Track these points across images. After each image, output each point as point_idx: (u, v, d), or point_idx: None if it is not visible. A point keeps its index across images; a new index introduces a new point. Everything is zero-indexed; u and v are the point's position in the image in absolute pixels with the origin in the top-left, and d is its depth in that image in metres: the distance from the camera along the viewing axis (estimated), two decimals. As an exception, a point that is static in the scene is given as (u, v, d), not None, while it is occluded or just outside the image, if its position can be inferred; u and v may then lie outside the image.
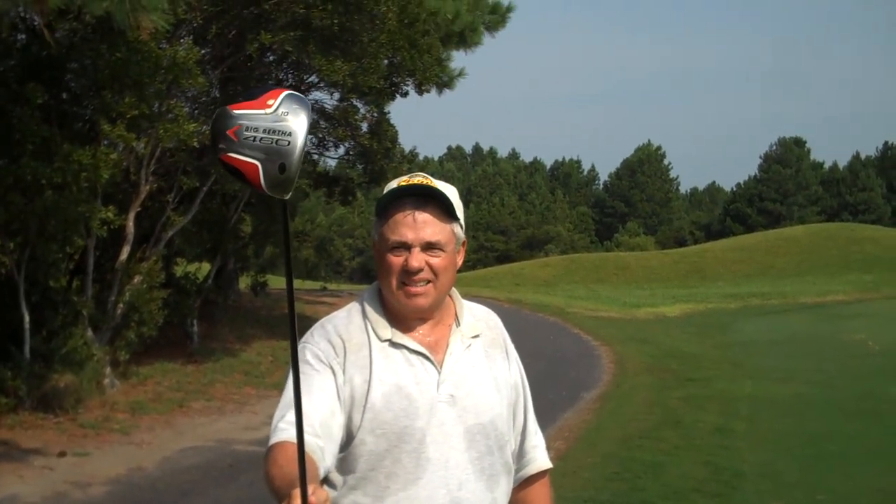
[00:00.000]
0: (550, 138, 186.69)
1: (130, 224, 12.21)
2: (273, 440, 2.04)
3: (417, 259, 2.13)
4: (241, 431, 10.71)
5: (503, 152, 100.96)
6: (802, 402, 12.09)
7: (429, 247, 2.14)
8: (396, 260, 2.14)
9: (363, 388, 2.11)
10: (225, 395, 12.77)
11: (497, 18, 19.64)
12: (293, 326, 1.77)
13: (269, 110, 1.63)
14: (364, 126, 16.68)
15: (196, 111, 13.70)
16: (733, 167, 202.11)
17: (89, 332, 11.62)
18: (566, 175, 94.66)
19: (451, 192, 2.20)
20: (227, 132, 1.61)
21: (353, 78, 13.53)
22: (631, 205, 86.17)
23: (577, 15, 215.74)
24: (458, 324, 2.24)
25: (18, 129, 9.96)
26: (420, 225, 2.13)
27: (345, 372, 2.13)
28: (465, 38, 18.70)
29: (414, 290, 2.14)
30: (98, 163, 10.08)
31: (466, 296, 2.35)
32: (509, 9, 19.77)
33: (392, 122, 17.49)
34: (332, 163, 20.56)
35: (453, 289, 2.26)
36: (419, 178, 2.18)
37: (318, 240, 34.80)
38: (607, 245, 75.52)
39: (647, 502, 7.24)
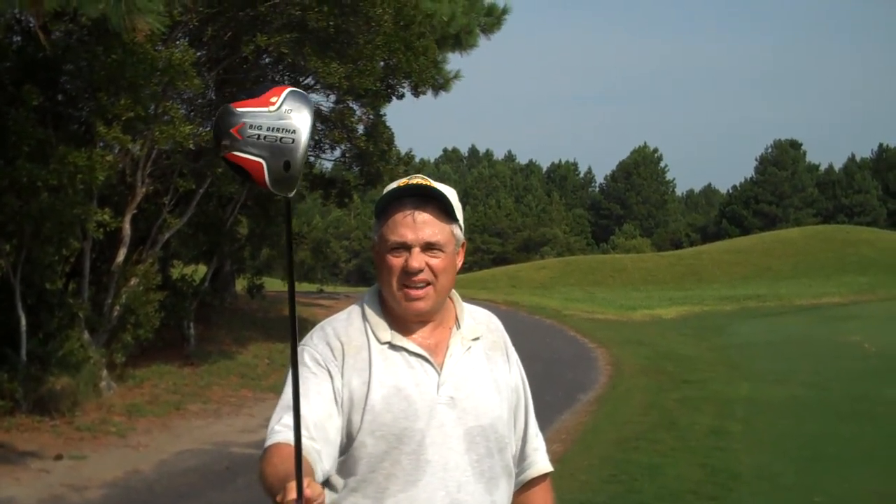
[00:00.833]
0: (547, 140, 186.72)
1: (126, 226, 12.20)
2: (268, 442, 2.04)
3: (417, 259, 2.12)
4: (238, 434, 10.69)
5: (499, 154, 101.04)
6: (798, 403, 12.10)
7: (429, 247, 2.14)
8: (396, 261, 2.14)
9: (362, 390, 2.11)
10: (221, 397, 12.75)
11: (492, 21, 19.64)
12: (294, 328, 1.77)
13: (272, 108, 1.63)
14: (360, 128, 16.67)
15: (192, 113, 13.70)
16: (729, 169, 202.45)
17: (85, 335, 11.60)
18: (562, 177, 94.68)
19: (450, 193, 2.20)
20: (231, 130, 1.61)
21: (349, 80, 13.52)
22: (627, 207, 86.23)
23: (573, 17, 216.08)
24: (458, 326, 2.24)
25: (14, 130, 9.94)
26: (420, 225, 2.13)
27: (343, 375, 2.13)
28: (460, 41, 18.71)
29: (414, 292, 2.14)
30: (94, 165, 10.06)
31: (464, 298, 2.35)
32: (505, 11, 19.78)
33: (388, 124, 17.49)
34: (329, 165, 20.54)
35: (453, 291, 2.25)
36: (418, 179, 2.18)
37: (314, 242, 34.71)
38: (603, 247, 75.62)
39: (643, 504, 7.24)
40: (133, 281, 12.42)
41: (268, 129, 1.61)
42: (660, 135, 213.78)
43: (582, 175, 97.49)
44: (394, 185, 2.20)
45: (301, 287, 32.42)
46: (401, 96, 16.44)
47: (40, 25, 9.47)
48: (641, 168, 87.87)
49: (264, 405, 12.11)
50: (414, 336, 2.18)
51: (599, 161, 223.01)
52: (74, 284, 12.38)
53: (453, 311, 2.26)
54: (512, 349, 2.34)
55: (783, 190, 77.49)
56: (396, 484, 2.09)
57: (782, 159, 79.30)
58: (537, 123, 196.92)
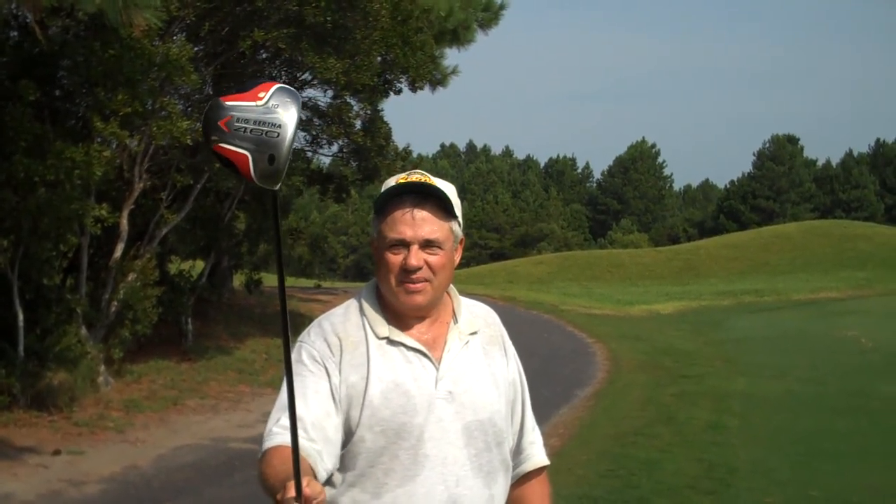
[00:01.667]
0: (544, 136, 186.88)
1: (124, 222, 12.19)
2: (267, 444, 2.05)
3: (416, 257, 2.13)
4: (236, 429, 10.70)
5: (497, 150, 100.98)
6: (795, 398, 12.13)
7: (427, 244, 2.14)
8: (395, 258, 2.14)
9: (361, 385, 2.11)
10: (219, 392, 12.76)
11: (490, 16, 19.62)
12: (285, 325, 1.78)
13: (259, 102, 1.66)
14: (357, 123, 16.63)
15: (189, 108, 13.67)
16: (727, 165, 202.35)
17: (83, 330, 11.60)
18: (560, 172, 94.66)
19: (449, 189, 2.20)
20: (219, 123, 1.64)
21: (346, 75, 13.51)
22: (624, 202, 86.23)
23: (571, 12, 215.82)
24: (455, 321, 2.24)
25: (11, 126, 9.93)
26: (419, 223, 2.13)
27: (341, 371, 2.13)
28: (458, 36, 18.68)
29: (412, 287, 2.14)
30: (91, 160, 10.04)
31: (462, 293, 2.35)
32: (502, 6, 19.75)
33: (386, 119, 17.45)
34: (326, 160, 20.53)
35: (451, 286, 2.26)
36: (417, 176, 2.18)
37: (311, 237, 34.72)
38: (601, 242, 75.63)
39: (641, 499, 7.26)
40: (131, 276, 12.42)
41: (254, 122, 1.64)
42: (657, 130, 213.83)
43: (580, 170, 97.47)
44: (393, 181, 2.20)
45: (298, 282, 32.43)
46: (398, 91, 16.43)
47: (37, 21, 9.47)
48: (639, 163, 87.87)
49: (262, 400, 12.12)
50: (411, 331, 2.19)
51: (597, 156, 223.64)
52: (72, 280, 12.37)
53: (450, 305, 2.27)
54: (509, 343, 2.34)
55: (780, 185, 77.52)
56: (395, 479, 2.10)
57: (780, 154, 79.32)
58: (535, 119, 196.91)
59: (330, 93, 16.00)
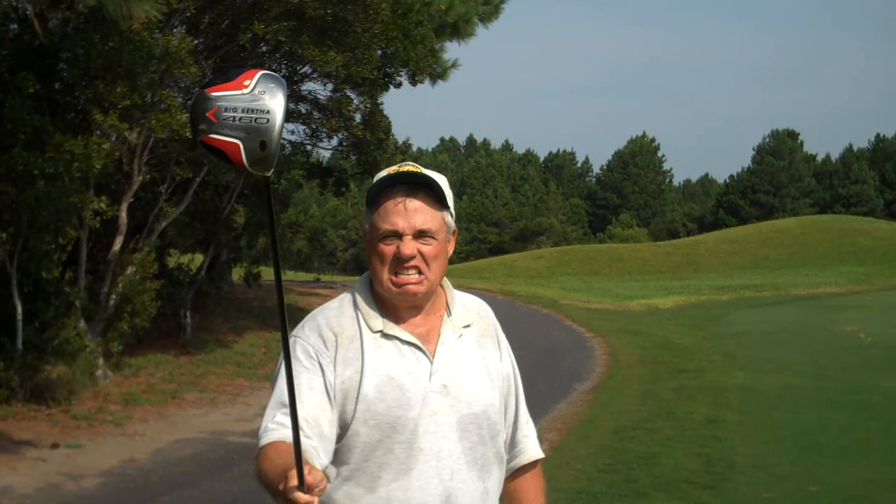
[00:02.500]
0: (544, 130, 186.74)
1: (123, 215, 12.18)
2: (263, 441, 2.05)
3: (409, 246, 2.12)
4: (234, 423, 10.70)
5: (496, 144, 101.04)
6: (794, 393, 12.12)
7: (420, 234, 2.13)
8: (388, 249, 2.14)
9: (355, 379, 2.11)
10: (218, 386, 12.76)
11: (490, 9, 19.58)
12: (283, 314, 1.78)
13: (245, 91, 1.67)
14: (357, 117, 16.62)
15: (189, 101, 13.64)
16: (726, 159, 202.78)
17: (82, 323, 11.60)
18: (559, 167, 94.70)
19: (441, 180, 2.19)
20: (207, 114, 1.65)
21: (346, 68, 13.48)
22: (624, 197, 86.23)
23: (571, 6, 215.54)
24: (449, 314, 2.23)
25: (10, 118, 9.91)
26: (411, 213, 2.12)
27: (335, 366, 2.12)
28: (458, 29, 18.64)
29: (405, 278, 2.13)
30: (90, 153, 10.02)
31: (460, 287, 2.34)
32: (503, 0, 19.72)
33: (385, 112, 17.44)
34: (326, 154, 20.53)
35: (444, 279, 2.25)
36: (409, 167, 2.17)
37: (311, 231, 34.75)
38: (600, 237, 75.68)
39: (639, 493, 7.25)
40: (129, 269, 12.41)
41: (242, 110, 1.65)
42: (658, 125, 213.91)
43: (579, 165, 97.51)
44: (384, 172, 2.19)
45: (298, 276, 32.46)
46: (398, 85, 16.41)
47: (37, 13, 9.44)
48: (638, 158, 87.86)
49: (260, 394, 12.12)
50: (405, 324, 2.18)
51: (597, 151, 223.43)
52: (71, 273, 12.36)
53: (444, 298, 2.26)
54: (503, 336, 2.34)
55: (780, 180, 77.52)
56: (389, 472, 2.09)
57: (779, 149, 79.31)
58: (535, 113, 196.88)
59: (330, 86, 16.00)
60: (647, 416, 10.70)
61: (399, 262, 2.13)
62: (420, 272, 2.14)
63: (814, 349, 16.53)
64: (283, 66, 16.22)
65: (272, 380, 2.16)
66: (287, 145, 17.98)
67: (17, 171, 9.90)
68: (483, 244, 68.85)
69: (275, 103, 1.66)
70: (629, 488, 7.39)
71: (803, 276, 37.12)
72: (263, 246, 21.34)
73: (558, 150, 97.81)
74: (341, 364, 2.12)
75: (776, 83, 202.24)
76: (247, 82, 1.67)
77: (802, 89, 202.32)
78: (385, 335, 2.16)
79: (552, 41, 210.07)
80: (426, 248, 2.14)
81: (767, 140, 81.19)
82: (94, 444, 9.39)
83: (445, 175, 2.26)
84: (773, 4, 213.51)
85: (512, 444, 2.34)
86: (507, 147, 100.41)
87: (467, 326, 2.25)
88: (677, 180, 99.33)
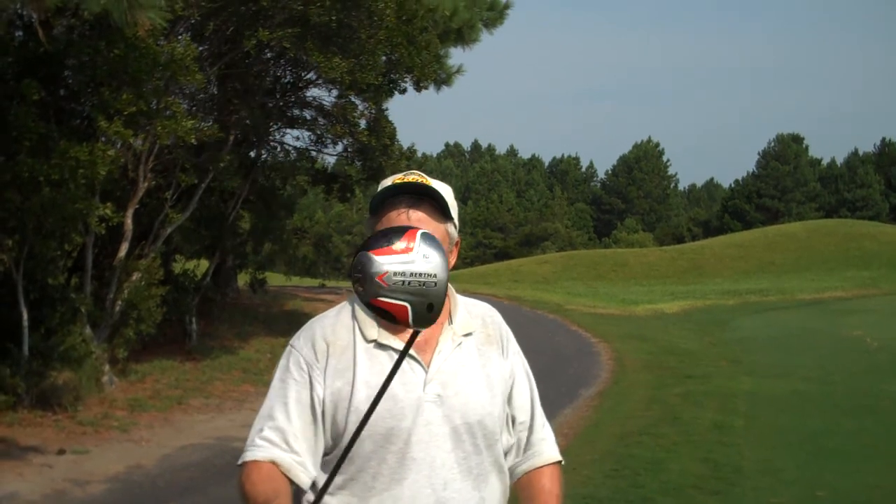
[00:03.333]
0: (549, 135, 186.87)
1: (129, 221, 12.20)
2: (248, 456, 2.07)
3: None
4: (240, 429, 10.69)
5: (501, 149, 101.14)
6: (801, 398, 12.09)
7: None
8: None
9: (346, 391, 2.09)
10: (224, 392, 12.76)
11: (495, 15, 19.61)
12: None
13: (411, 255, 1.74)
14: (362, 123, 16.63)
15: (194, 108, 13.68)
16: (732, 164, 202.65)
17: (88, 330, 11.61)
18: (564, 172, 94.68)
19: (445, 191, 2.17)
20: (377, 279, 1.73)
21: (351, 75, 13.49)
22: (629, 201, 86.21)
23: (576, 11, 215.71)
24: (450, 322, 2.20)
25: (15, 125, 9.92)
26: (414, 223, 2.09)
27: (325, 377, 2.11)
28: (463, 35, 18.67)
29: None
30: (96, 159, 10.04)
31: (465, 292, 2.33)
32: (507, 5, 19.75)
33: (390, 118, 17.45)
34: (331, 160, 20.53)
35: (448, 285, 2.23)
36: (414, 177, 2.15)
37: (316, 237, 34.76)
38: (605, 242, 75.64)
39: (646, 499, 7.24)
40: (135, 276, 12.42)
41: (411, 274, 1.73)
42: (662, 129, 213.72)
43: (584, 170, 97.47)
44: (389, 181, 2.17)
45: (303, 282, 32.46)
46: (403, 91, 16.43)
47: (42, 21, 9.47)
48: (643, 162, 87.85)
49: (266, 400, 12.10)
50: (402, 333, 2.13)
51: (602, 156, 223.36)
52: (76, 279, 12.37)
53: (446, 305, 2.23)
54: (512, 341, 2.30)
55: (785, 184, 77.45)
56: (382, 482, 2.08)
57: (785, 154, 79.23)
58: (539, 118, 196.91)
59: (335, 92, 16.01)
60: (653, 421, 10.68)
61: None
62: None
63: (820, 354, 16.51)
64: (287, 72, 16.26)
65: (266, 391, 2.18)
66: (292, 152, 18.02)
67: (22, 178, 9.91)
68: (488, 249, 68.79)
69: (439, 265, 1.74)
70: (636, 494, 7.37)
71: (809, 280, 37.07)
72: (269, 252, 21.36)
73: (563, 155, 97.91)
74: (332, 375, 2.11)
75: (781, 87, 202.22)
76: (410, 245, 1.74)
77: (808, 93, 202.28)
78: (379, 345, 2.14)
79: (557, 46, 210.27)
80: None
81: (773, 144, 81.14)
82: (101, 449, 9.39)
83: (451, 181, 2.24)
84: (777, 9, 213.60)
85: (527, 447, 2.30)
86: (511, 152, 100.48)
87: (468, 335, 2.22)
88: (682, 185, 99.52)
